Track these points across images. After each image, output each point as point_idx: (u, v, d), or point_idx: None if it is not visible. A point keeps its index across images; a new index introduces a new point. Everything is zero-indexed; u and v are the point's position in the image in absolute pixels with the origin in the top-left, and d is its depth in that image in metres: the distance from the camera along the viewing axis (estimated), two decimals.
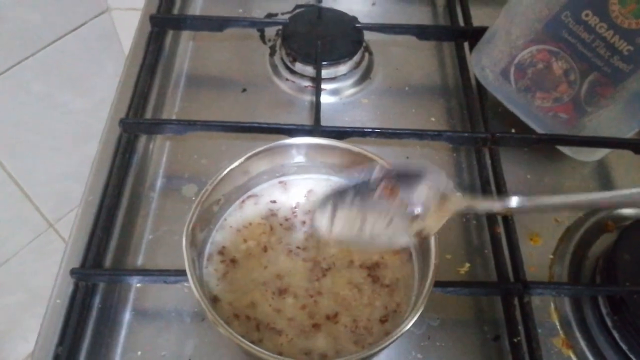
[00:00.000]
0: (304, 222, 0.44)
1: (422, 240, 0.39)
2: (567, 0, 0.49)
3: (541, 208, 0.38)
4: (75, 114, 0.90)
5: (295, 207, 0.45)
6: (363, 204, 0.38)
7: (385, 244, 0.39)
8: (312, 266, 0.41)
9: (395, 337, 0.33)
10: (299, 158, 0.44)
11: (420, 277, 0.40)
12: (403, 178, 0.38)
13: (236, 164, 0.40)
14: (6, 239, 0.94)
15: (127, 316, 0.46)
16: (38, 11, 0.75)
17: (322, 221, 0.39)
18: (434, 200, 0.37)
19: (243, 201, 0.45)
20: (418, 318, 0.34)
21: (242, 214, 0.44)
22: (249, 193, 0.45)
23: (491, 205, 0.38)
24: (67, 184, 0.93)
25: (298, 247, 0.42)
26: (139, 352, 0.44)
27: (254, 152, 0.41)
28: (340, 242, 0.40)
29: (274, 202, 0.45)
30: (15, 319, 1.08)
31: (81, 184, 0.52)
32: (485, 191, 0.52)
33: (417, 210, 0.37)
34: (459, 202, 0.37)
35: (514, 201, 0.36)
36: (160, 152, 0.56)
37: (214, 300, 0.39)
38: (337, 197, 0.39)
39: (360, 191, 0.38)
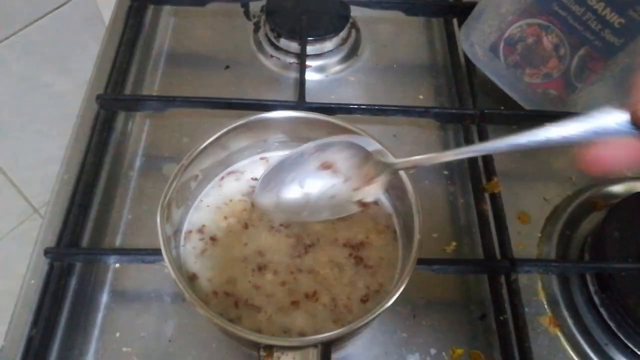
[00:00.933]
0: None
1: (365, 208, 0.40)
2: None
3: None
4: (59, 95, 0.87)
5: None
6: (303, 179, 0.40)
7: (332, 214, 0.40)
8: (295, 242, 0.40)
9: (376, 314, 0.32)
10: (281, 133, 0.43)
11: (404, 257, 0.39)
12: (336, 149, 0.39)
13: (214, 137, 0.39)
14: None
15: (104, 297, 0.45)
16: None
17: (267, 200, 0.40)
18: (363, 168, 0.38)
19: (222, 178, 0.43)
20: (403, 297, 0.33)
21: (220, 192, 0.43)
22: (229, 169, 0.44)
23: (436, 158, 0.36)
24: (52, 168, 0.90)
25: (281, 225, 0.41)
26: (117, 334, 0.43)
27: (233, 125, 0.39)
28: (288, 218, 0.41)
29: (256, 179, 0.44)
30: (0, 306, 1.06)
31: None
32: (473, 169, 0.51)
33: (352, 180, 0.39)
34: (387, 165, 0.37)
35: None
36: (139, 130, 0.55)
37: (192, 277, 0.38)
38: (276, 175, 0.40)
39: (297, 167, 0.39)
